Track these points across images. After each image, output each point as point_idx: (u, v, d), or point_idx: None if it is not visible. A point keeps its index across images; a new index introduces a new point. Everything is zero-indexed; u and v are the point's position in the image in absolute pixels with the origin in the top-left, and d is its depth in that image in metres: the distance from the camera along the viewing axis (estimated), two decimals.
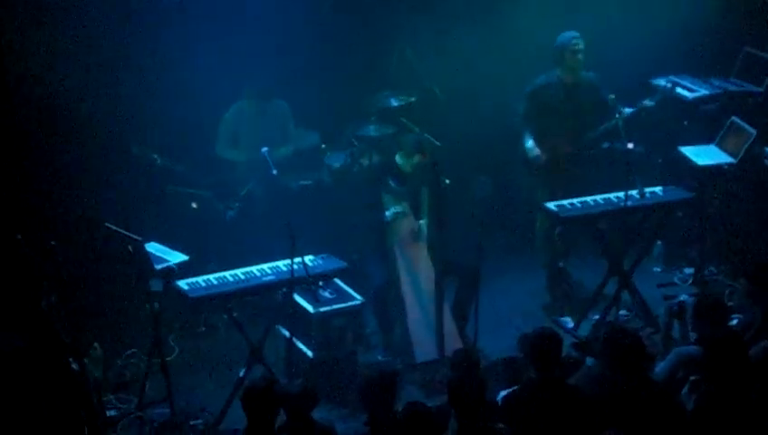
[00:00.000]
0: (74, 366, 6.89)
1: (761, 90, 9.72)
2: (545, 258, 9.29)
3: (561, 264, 9.29)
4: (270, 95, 9.37)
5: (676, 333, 7.40)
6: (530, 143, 9.00)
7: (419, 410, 5.89)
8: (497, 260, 9.40)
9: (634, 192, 8.38)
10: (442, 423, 5.98)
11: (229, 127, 9.35)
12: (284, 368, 7.78)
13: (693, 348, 6.58)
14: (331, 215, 9.10)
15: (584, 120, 9.00)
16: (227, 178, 9.34)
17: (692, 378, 6.41)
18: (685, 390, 6.41)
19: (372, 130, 9.33)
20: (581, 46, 8.81)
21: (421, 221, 8.25)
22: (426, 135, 8.77)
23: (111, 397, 7.78)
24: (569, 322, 8.77)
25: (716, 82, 9.93)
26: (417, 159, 8.21)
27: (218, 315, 8.46)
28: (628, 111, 8.88)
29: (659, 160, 9.70)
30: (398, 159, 8.27)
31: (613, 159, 9.37)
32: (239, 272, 7.59)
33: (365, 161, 9.31)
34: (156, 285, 7.58)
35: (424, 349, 8.03)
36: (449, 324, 8.06)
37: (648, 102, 8.99)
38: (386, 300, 8.15)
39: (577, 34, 8.83)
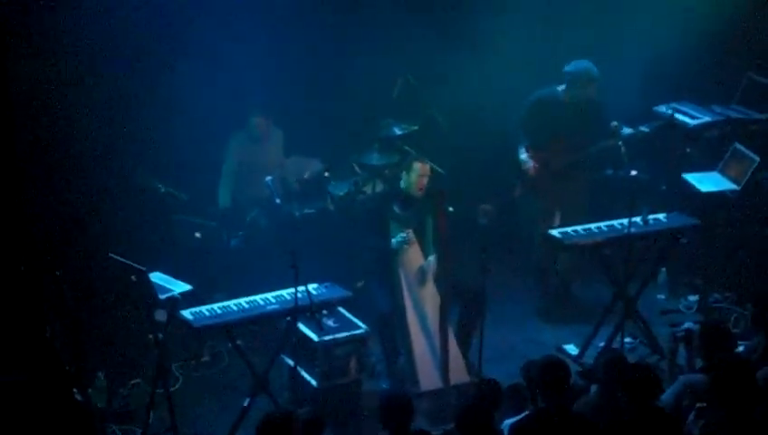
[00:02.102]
0: (78, 396, 6.87)
1: (763, 116, 9.73)
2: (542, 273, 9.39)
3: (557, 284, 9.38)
4: (266, 113, 9.40)
5: (681, 359, 7.39)
6: (524, 156, 9.11)
7: None
8: (501, 287, 9.38)
9: (638, 219, 8.39)
10: None
11: (232, 166, 9.37)
12: (289, 397, 7.76)
13: (699, 376, 6.56)
14: (334, 243, 9.09)
15: (582, 138, 9.08)
16: (231, 208, 9.35)
17: (698, 405, 6.38)
18: (691, 417, 6.38)
19: (375, 159, 9.36)
20: (595, 79, 8.88)
21: (430, 258, 8.22)
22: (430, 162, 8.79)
23: (115, 427, 7.74)
24: (573, 349, 8.76)
25: (718, 109, 9.94)
26: (418, 168, 8.18)
27: (223, 345, 8.44)
28: (626, 131, 8.95)
29: (663, 187, 9.71)
30: (402, 183, 8.27)
31: (617, 186, 9.40)
32: (243, 301, 7.59)
33: (368, 189, 9.33)
34: (160, 315, 7.57)
35: (429, 378, 8.01)
36: (455, 353, 8.04)
37: (643, 128, 9.06)
38: (391, 328, 8.13)
39: (593, 74, 8.89)
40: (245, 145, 9.39)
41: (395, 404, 6.16)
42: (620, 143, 8.70)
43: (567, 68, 9.00)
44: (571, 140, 9.10)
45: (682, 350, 7.39)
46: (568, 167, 9.14)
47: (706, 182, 9.16)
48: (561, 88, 9.06)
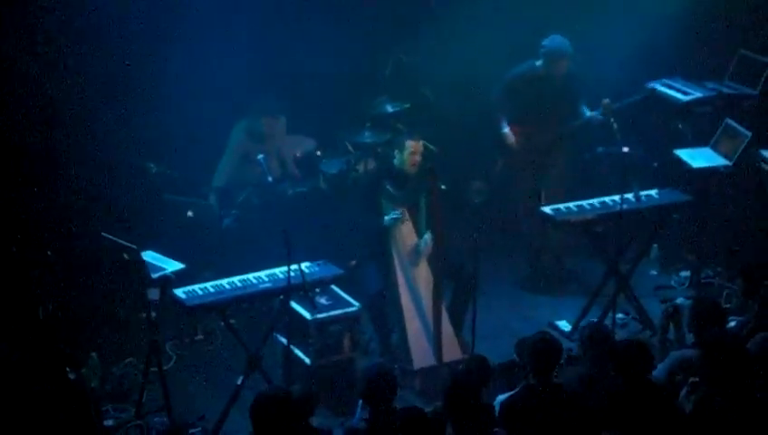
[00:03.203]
0: (71, 376, 6.88)
1: (755, 92, 9.72)
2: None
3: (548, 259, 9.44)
4: (276, 111, 9.37)
5: (672, 335, 7.41)
6: (506, 129, 9.18)
7: (416, 416, 5.88)
8: (494, 264, 9.40)
9: (630, 195, 8.40)
10: (438, 429, 5.97)
11: (232, 159, 9.35)
12: (282, 375, 7.78)
13: (691, 351, 6.59)
14: (327, 221, 9.10)
15: (562, 110, 9.13)
16: (224, 188, 9.34)
17: (691, 380, 6.41)
18: (683, 392, 6.41)
19: (367, 137, 9.36)
20: (567, 60, 8.90)
21: (425, 236, 8.21)
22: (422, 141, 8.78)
23: (109, 406, 7.75)
24: (565, 325, 8.78)
25: (710, 85, 9.93)
26: (410, 146, 8.17)
27: (215, 323, 8.45)
28: (587, 113, 9.01)
29: (655, 163, 9.71)
30: (396, 161, 8.26)
31: (609, 163, 9.40)
32: (236, 279, 7.59)
33: (361, 168, 9.32)
34: (152, 294, 7.57)
35: (422, 355, 8.03)
36: (447, 330, 8.06)
37: (607, 102, 9.09)
38: (383, 306, 8.14)
39: (565, 50, 8.90)
40: (248, 140, 9.36)
41: (378, 381, 6.16)
42: (612, 120, 8.71)
43: (544, 42, 9.05)
44: (553, 114, 9.14)
45: (672, 325, 7.42)
46: (552, 141, 9.17)
47: (698, 158, 9.16)
48: (538, 63, 9.09)
